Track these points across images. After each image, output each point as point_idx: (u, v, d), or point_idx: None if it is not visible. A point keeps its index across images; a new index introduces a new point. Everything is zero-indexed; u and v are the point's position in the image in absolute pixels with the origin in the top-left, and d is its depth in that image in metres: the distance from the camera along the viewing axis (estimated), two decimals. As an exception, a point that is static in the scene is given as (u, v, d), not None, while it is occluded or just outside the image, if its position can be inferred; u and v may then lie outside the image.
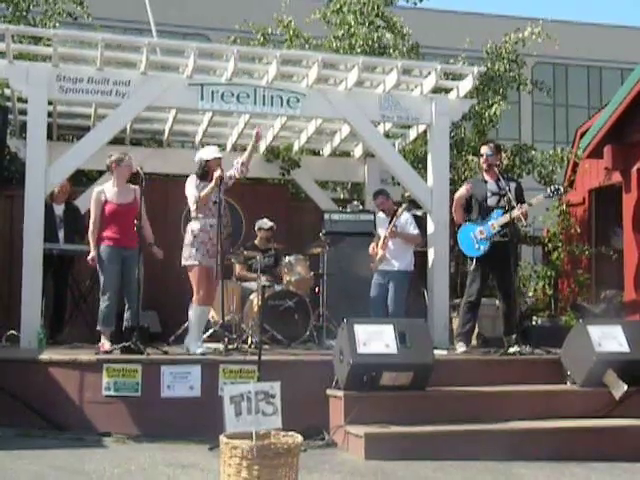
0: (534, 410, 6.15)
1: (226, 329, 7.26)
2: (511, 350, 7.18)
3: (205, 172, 6.96)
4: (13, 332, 7.55)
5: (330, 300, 8.24)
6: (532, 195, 7.47)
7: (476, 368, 6.78)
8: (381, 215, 8.33)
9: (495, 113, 10.93)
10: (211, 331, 7.46)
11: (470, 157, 10.64)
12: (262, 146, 10.58)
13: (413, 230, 8.09)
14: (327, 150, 10.90)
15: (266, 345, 7.38)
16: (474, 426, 5.80)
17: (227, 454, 4.03)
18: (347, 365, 5.89)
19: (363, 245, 8.46)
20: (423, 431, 5.68)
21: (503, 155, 9.26)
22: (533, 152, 11.50)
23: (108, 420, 6.15)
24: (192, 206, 6.95)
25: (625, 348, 6.44)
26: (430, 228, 8.52)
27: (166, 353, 6.68)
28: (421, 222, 8.48)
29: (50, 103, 8.44)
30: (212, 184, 6.83)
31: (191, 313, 6.95)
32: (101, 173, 9.33)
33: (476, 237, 7.36)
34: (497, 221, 7.28)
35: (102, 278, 6.93)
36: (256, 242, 8.77)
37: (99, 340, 6.94)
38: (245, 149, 10.83)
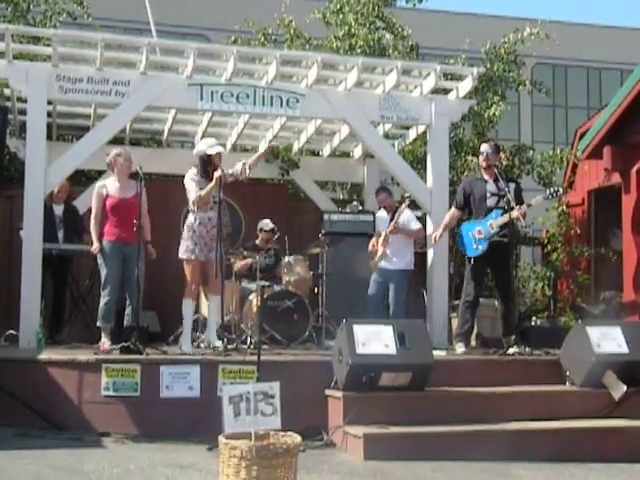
0: (533, 411, 6.14)
1: (225, 329, 7.26)
2: (510, 351, 7.18)
3: (207, 166, 6.94)
4: (12, 332, 7.55)
5: (329, 300, 8.24)
6: (531, 196, 7.47)
7: (475, 369, 6.78)
8: (382, 213, 8.36)
9: (494, 114, 10.94)
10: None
11: (470, 158, 10.64)
12: (262, 146, 10.60)
13: (414, 226, 8.12)
14: (326, 150, 10.90)
15: (265, 345, 7.38)
16: (473, 427, 5.80)
17: (226, 454, 4.03)
18: (346, 365, 5.89)
19: (362, 245, 8.46)
20: (422, 432, 5.68)
21: (502, 155, 9.27)
22: (531, 152, 11.51)
23: (107, 420, 6.14)
24: (191, 204, 6.95)
25: (624, 349, 6.45)
26: (429, 229, 8.52)
27: (165, 353, 6.68)
28: (420, 222, 8.48)
29: (50, 103, 8.44)
30: (212, 184, 6.81)
31: (184, 310, 6.96)
32: (100, 173, 9.34)
33: (474, 237, 7.35)
34: (496, 221, 7.28)
35: (102, 274, 6.95)
36: (257, 242, 8.77)
37: (98, 340, 6.95)
38: (245, 150, 10.96)
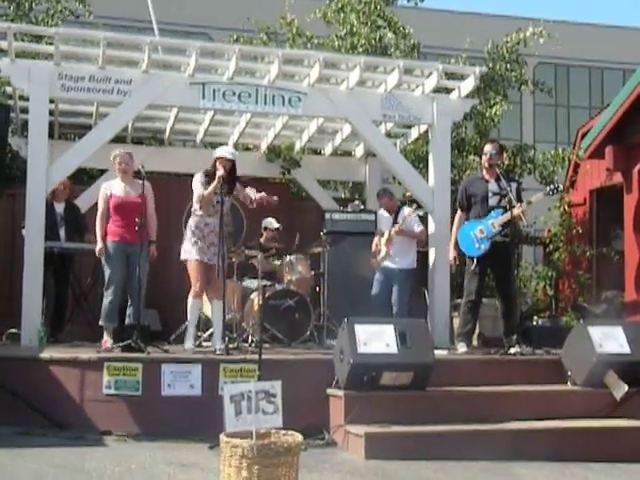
0: (535, 410, 6.14)
1: (227, 328, 7.26)
2: (512, 350, 7.18)
3: (212, 170, 6.95)
4: (14, 330, 7.55)
5: (331, 299, 8.24)
6: (532, 196, 7.46)
7: (477, 368, 6.78)
8: (383, 212, 8.36)
9: (496, 113, 10.93)
10: (211, 331, 7.46)
11: (471, 157, 10.63)
12: (263, 145, 10.60)
13: (417, 227, 8.17)
14: (328, 149, 10.90)
15: (267, 344, 7.38)
16: (474, 426, 5.80)
17: (227, 453, 4.03)
18: (347, 365, 5.89)
19: (364, 245, 8.46)
20: (423, 431, 5.68)
21: (505, 155, 9.26)
22: (533, 152, 11.50)
23: (108, 419, 6.15)
24: (195, 203, 6.96)
25: (626, 349, 6.44)
26: (431, 228, 8.51)
27: (167, 352, 6.69)
28: (422, 222, 8.49)
29: (52, 101, 8.46)
30: (215, 182, 6.81)
31: (189, 309, 6.97)
32: (102, 172, 9.35)
33: (476, 236, 7.33)
34: (497, 220, 7.26)
35: (106, 273, 6.97)
36: (261, 240, 8.75)
37: (100, 338, 6.96)
38: (247, 149, 11.00)
